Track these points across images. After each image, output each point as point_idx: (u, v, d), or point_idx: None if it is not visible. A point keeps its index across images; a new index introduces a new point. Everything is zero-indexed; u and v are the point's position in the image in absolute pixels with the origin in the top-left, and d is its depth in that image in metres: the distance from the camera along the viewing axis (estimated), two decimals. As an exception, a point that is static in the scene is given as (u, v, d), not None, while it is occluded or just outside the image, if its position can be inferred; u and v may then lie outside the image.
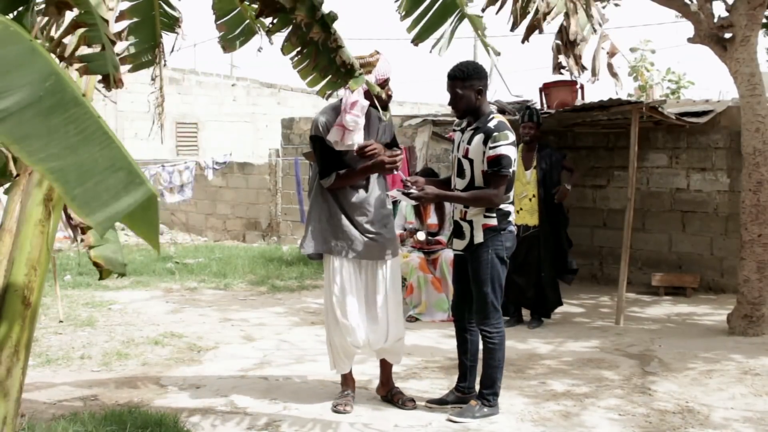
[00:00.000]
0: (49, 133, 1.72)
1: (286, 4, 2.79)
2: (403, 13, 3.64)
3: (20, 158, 1.76)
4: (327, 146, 4.31)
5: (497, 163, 4.11)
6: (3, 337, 2.64)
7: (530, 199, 6.70)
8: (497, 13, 4.30)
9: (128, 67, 3.67)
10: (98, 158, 1.74)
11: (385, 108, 4.37)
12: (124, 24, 3.69)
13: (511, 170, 4.14)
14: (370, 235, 4.37)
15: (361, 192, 4.38)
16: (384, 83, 4.26)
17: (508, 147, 4.12)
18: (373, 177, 4.42)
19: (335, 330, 4.38)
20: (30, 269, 2.67)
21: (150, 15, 3.73)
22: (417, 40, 3.69)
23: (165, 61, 4.05)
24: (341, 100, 4.28)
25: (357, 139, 4.23)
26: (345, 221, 4.35)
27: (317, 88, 3.32)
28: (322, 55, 3.11)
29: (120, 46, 3.77)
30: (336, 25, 3.05)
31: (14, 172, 2.71)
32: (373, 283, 4.41)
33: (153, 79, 4.03)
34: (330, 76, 3.18)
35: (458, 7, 3.61)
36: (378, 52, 4.28)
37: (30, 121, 1.72)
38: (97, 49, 2.58)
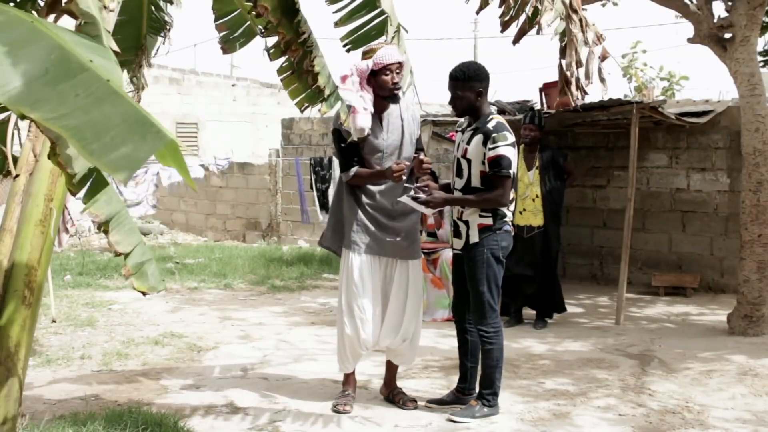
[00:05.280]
0: (59, 97, 1.72)
1: (273, 20, 2.80)
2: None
3: (35, 121, 1.77)
4: (344, 138, 4.29)
5: (497, 163, 4.12)
6: (3, 336, 2.64)
7: (533, 200, 6.71)
8: (502, 18, 4.32)
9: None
10: (111, 115, 1.71)
11: (391, 94, 4.32)
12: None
13: (511, 171, 4.14)
14: (390, 234, 4.36)
15: (383, 189, 4.36)
16: (385, 69, 4.23)
17: (507, 148, 4.13)
18: None
19: (347, 327, 4.34)
20: (30, 269, 2.67)
21: (138, 16, 3.73)
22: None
23: (149, 63, 4.05)
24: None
25: (360, 122, 4.21)
26: (363, 218, 4.34)
27: (297, 99, 3.34)
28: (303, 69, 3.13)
29: None
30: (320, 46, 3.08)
31: (14, 173, 2.71)
32: (392, 282, 4.40)
33: (132, 81, 4.03)
34: (309, 90, 3.19)
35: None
36: (386, 42, 4.27)
37: (39, 90, 1.73)
38: None
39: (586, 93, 4.61)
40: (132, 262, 2.99)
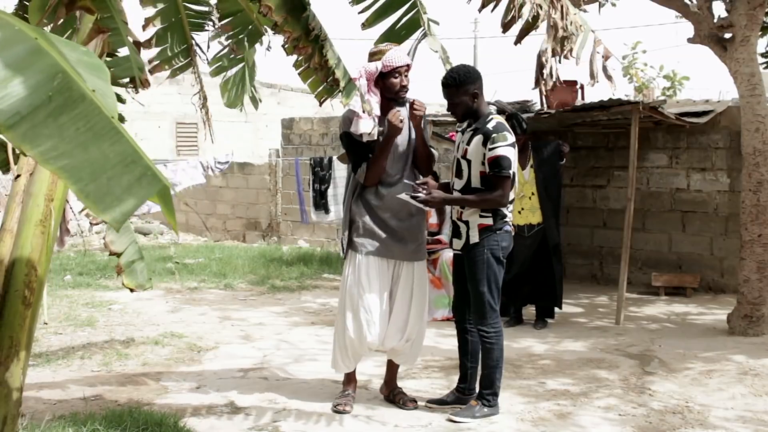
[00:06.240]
0: (60, 131, 1.70)
1: (277, 19, 2.80)
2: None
3: (34, 159, 1.74)
4: (354, 140, 4.31)
5: (497, 164, 4.12)
6: (3, 337, 2.64)
7: (530, 198, 6.69)
8: (492, 11, 4.31)
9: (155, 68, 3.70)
10: (109, 154, 1.71)
11: (398, 98, 4.32)
12: (151, 31, 3.72)
13: (511, 171, 4.14)
14: (397, 236, 4.35)
15: (391, 191, 4.35)
16: (393, 72, 4.23)
17: (506, 148, 4.13)
18: (404, 177, 4.37)
19: (349, 328, 4.32)
20: (30, 269, 2.67)
21: (177, 18, 3.73)
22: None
23: (206, 59, 4.06)
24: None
25: (362, 128, 4.21)
26: (371, 220, 4.34)
27: (317, 92, 3.36)
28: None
29: (152, 53, 3.81)
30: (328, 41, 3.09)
31: (15, 173, 2.71)
32: (398, 283, 4.39)
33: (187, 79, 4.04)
34: (327, 83, 3.20)
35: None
36: (394, 44, 4.28)
37: (42, 122, 1.70)
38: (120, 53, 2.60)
39: (560, 83, 4.54)
40: (124, 260, 3.02)
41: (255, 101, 4.92)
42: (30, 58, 1.75)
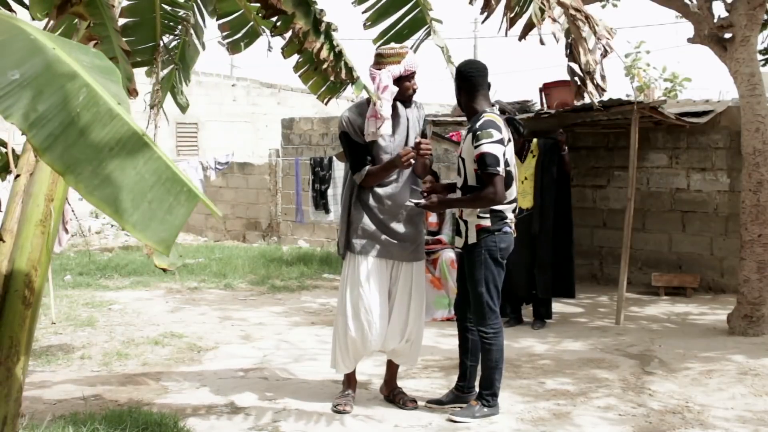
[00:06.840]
0: (96, 154, 1.67)
1: (287, 10, 2.80)
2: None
3: (77, 190, 1.71)
4: (354, 141, 4.34)
5: (482, 161, 4.14)
6: (3, 337, 2.64)
7: (522, 182, 6.65)
8: (485, 13, 4.33)
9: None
10: (145, 174, 1.69)
11: (409, 101, 4.40)
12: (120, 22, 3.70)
13: (499, 168, 4.13)
14: (396, 237, 4.36)
15: (389, 192, 4.37)
16: (411, 76, 4.31)
17: (490, 145, 4.12)
18: (402, 178, 4.40)
19: (351, 328, 4.32)
20: (30, 269, 2.67)
21: (150, 16, 3.72)
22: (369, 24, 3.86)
23: (176, 62, 4.05)
24: (366, 99, 4.27)
25: (383, 129, 4.24)
26: (370, 221, 4.35)
27: (319, 92, 3.35)
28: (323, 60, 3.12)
29: None
30: (336, 35, 3.08)
31: (15, 173, 2.71)
32: (396, 284, 4.40)
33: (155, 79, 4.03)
34: (330, 81, 3.20)
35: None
36: (408, 47, 4.33)
37: (75, 141, 1.66)
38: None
39: (604, 90, 4.47)
40: None
41: (181, 106, 4.87)
42: (50, 73, 1.71)
